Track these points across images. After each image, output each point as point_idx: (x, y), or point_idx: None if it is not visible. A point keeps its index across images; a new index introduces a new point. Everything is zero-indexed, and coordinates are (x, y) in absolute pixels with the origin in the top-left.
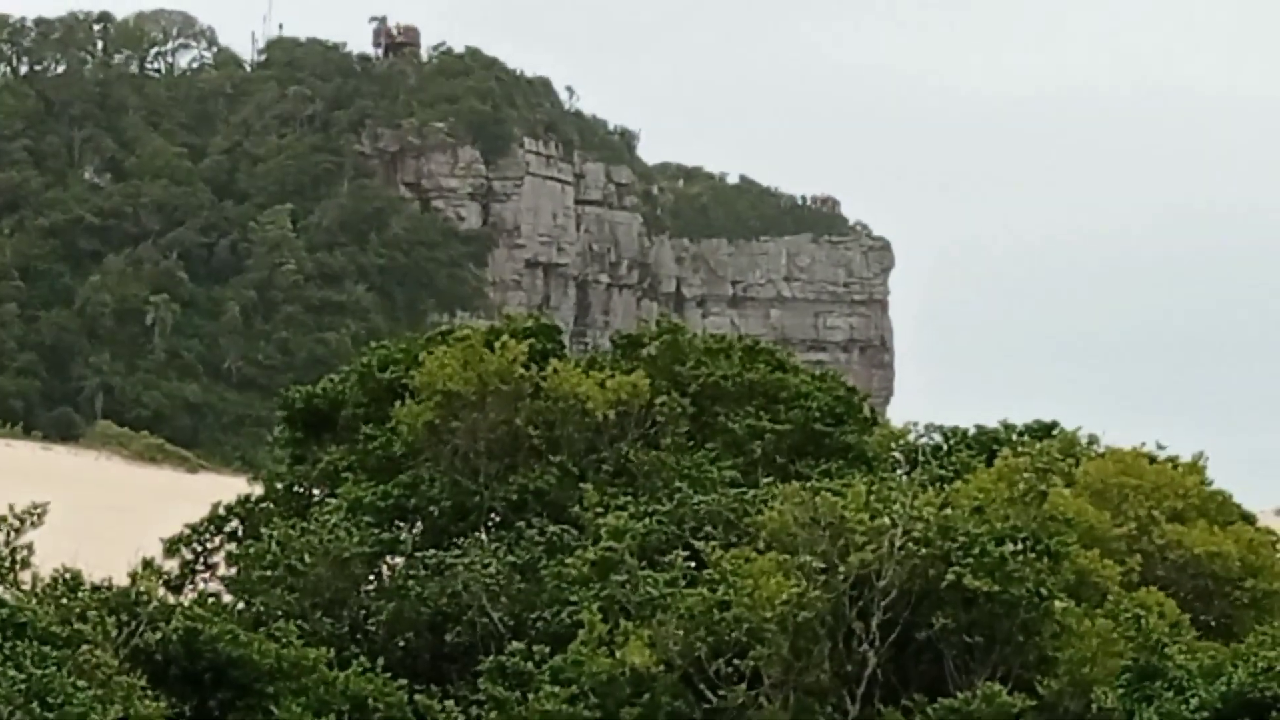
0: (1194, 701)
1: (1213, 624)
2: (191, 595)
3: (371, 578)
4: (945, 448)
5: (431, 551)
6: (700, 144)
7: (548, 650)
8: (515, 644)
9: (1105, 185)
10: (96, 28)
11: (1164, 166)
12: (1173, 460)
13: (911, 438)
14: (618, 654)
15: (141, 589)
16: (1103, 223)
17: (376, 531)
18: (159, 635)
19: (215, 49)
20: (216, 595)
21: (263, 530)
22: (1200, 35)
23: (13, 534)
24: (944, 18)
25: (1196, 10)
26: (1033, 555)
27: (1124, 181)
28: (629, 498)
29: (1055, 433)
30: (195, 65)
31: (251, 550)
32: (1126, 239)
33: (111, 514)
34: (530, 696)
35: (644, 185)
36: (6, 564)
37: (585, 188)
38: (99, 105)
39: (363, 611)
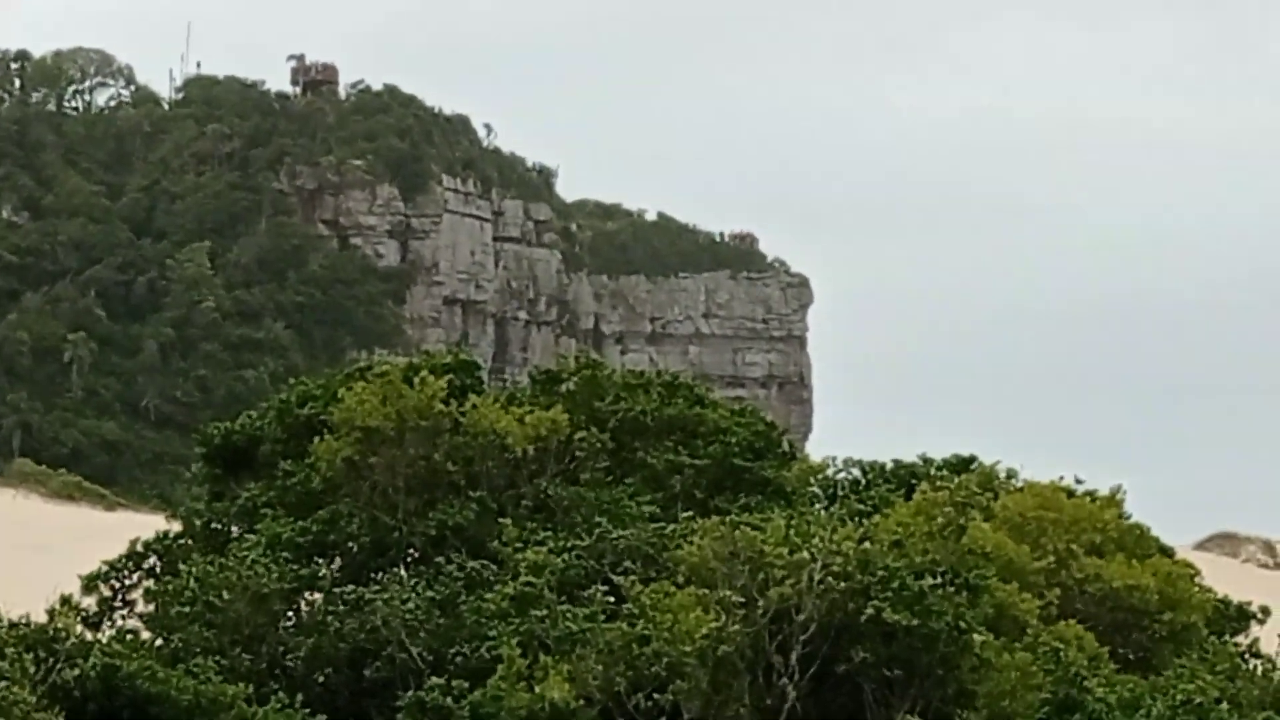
0: None
1: (1131, 657)
2: (110, 632)
3: (290, 614)
4: (864, 482)
5: (350, 587)
6: (618, 181)
7: (467, 685)
8: (434, 679)
9: (1020, 222)
10: (14, 66)
11: (1079, 201)
12: (1091, 494)
13: (830, 472)
14: (537, 689)
15: (59, 626)
16: (1020, 259)
17: (295, 567)
18: (77, 672)
19: (133, 87)
20: (135, 632)
21: (181, 567)
22: (1115, 67)
23: None
24: (861, 55)
25: (1107, 43)
26: (952, 589)
27: (1038, 218)
28: (548, 533)
29: (973, 466)
30: (113, 103)
31: (170, 587)
32: (1045, 276)
33: (29, 551)
34: None
35: (562, 222)
36: None
37: (504, 225)
38: (16, 143)
39: (281, 647)
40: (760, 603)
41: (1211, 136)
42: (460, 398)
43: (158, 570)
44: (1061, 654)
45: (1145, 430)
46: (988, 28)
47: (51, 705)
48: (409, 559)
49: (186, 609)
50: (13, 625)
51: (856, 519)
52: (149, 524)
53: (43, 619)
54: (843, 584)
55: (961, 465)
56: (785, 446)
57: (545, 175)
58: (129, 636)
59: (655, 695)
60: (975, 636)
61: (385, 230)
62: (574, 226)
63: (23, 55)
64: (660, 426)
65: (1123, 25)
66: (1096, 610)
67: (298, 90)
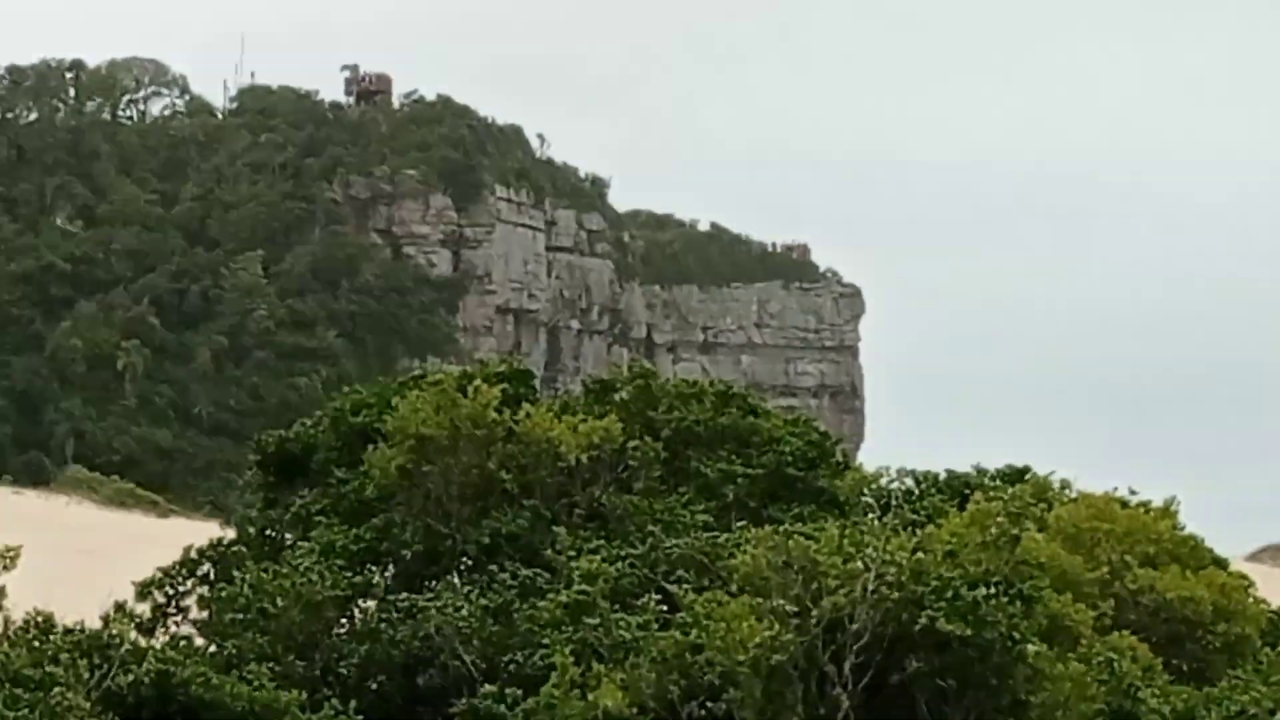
0: None
1: (1185, 668)
2: (163, 638)
3: (344, 621)
4: (917, 492)
5: (404, 595)
6: (671, 191)
7: (520, 693)
8: (488, 687)
9: (1074, 236)
10: (69, 76)
11: (1133, 213)
12: (1145, 505)
13: (884, 482)
14: (590, 697)
15: (114, 632)
16: (1074, 269)
17: (349, 575)
18: (131, 678)
19: (187, 97)
20: (188, 638)
21: (235, 574)
22: (1167, 92)
23: None
24: (916, 66)
25: (1161, 68)
26: (1005, 599)
27: (1092, 228)
28: (602, 541)
29: (1028, 477)
30: (167, 113)
31: (224, 594)
32: (1099, 286)
33: (83, 558)
34: None
35: (615, 232)
36: None
37: (556, 234)
38: (71, 152)
39: (335, 655)
40: (814, 612)
41: (1262, 150)
42: (514, 406)
43: (212, 577)
44: (1115, 665)
45: (1199, 441)
46: (1044, 40)
47: (106, 711)
48: (462, 567)
49: (240, 616)
50: (67, 631)
51: (910, 529)
52: (202, 531)
53: (97, 625)
54: (896, 594)
55: (1015, 476)
56: (838, 456)
57: (598, 185)
58: (183, 643)
59: (708, 704)
60: (1029, 647)
61: (438, 240)
62: (626, 236)
63: (78, 65)
64: (714, 436)
65: (1177, 40)
66: (1150, 621)
67: (351, 100)
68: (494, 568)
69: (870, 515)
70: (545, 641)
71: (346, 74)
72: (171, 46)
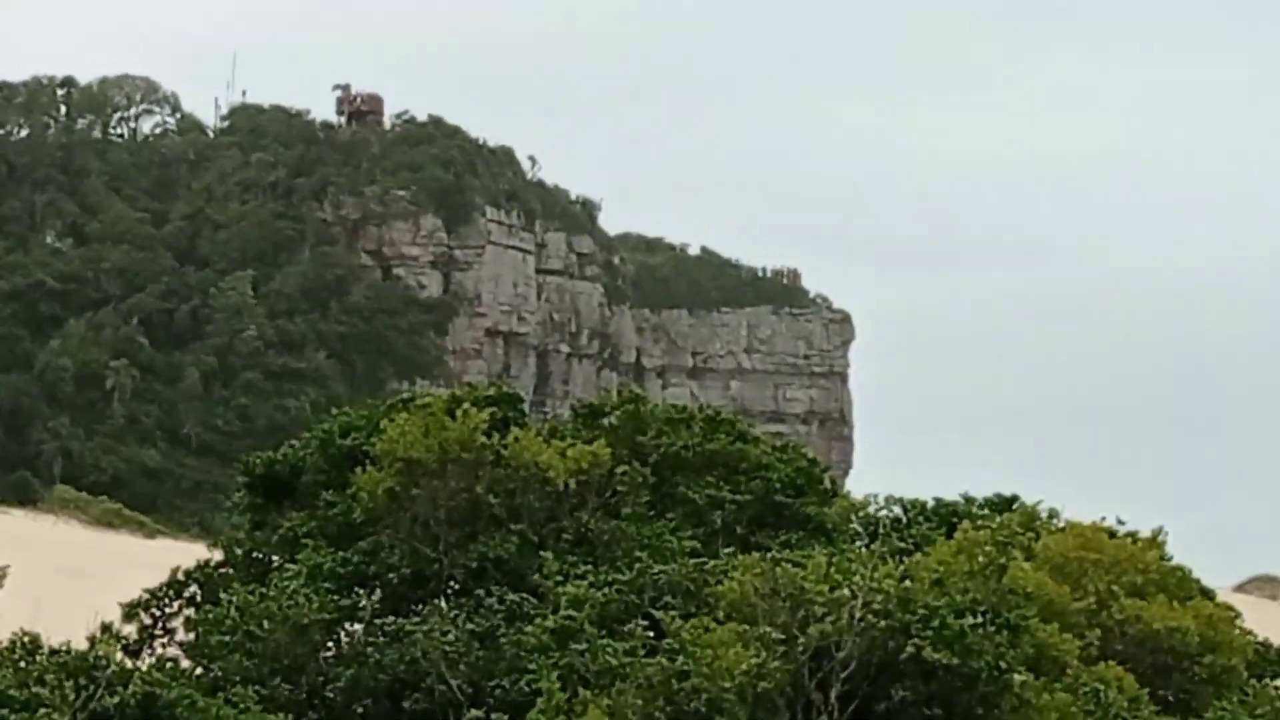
0: None
1: (1171, 699)
2: (150, 660)
3: (330, 644)
4: (905, 520)
5: (391, 618)
6: (662, 215)
7: (506, 718)
8: (474, 712)
9: (1066, 258)
10: (60, 92)
11: (1122, 238)
12: (1132, 535)
13: (871, 510)
14: None
15: (100, 653)
16: (1064, 296)
17: (336, 598)
18: (117, 699)
19: (178, 115)
20: (175, 660)
21: (222, 596)
22: (1161, 107)
23: None
24: (905, 91)
25: (1156, 83)
26: (992, 628)
27: (1085, 255)
28: (589, 566)
29: (1015, 506)
30: (158, 131)
31: (210, 615)
32: (1088, 313)
33: (69, 578)
34: None
35: (605, 255)
36: None
37: (546, 257)
38: (61, 170)
39: (321, 678)
40: (800, 640)
41: (1259, 165)
42: (502, 430)
43: (198, 599)
44: (1102, 695)
45: (1185, 471)
46: (1033, 64)
47: None
48: (449, 591)
49: (227, 638)
50: (53, 652)
51: (897, 557)
52: (189, 552)
53: (83, 646)
54: (883, 622)
55: (1003, 504)
56: (826, 483)
57: (588, 208)
58: (169, 665)
59: None
60: (1015, 676)
61: (428, 261)
62: (617, 260)
63: (69, 82)
64: (702, 461)
65: (1167, 63)
66: (1137, 652)
67: (342, 120)
68: (481, 592)
69: (858, 543)
70: (531, 667)
71: (338, 93)
72: (163, 64)
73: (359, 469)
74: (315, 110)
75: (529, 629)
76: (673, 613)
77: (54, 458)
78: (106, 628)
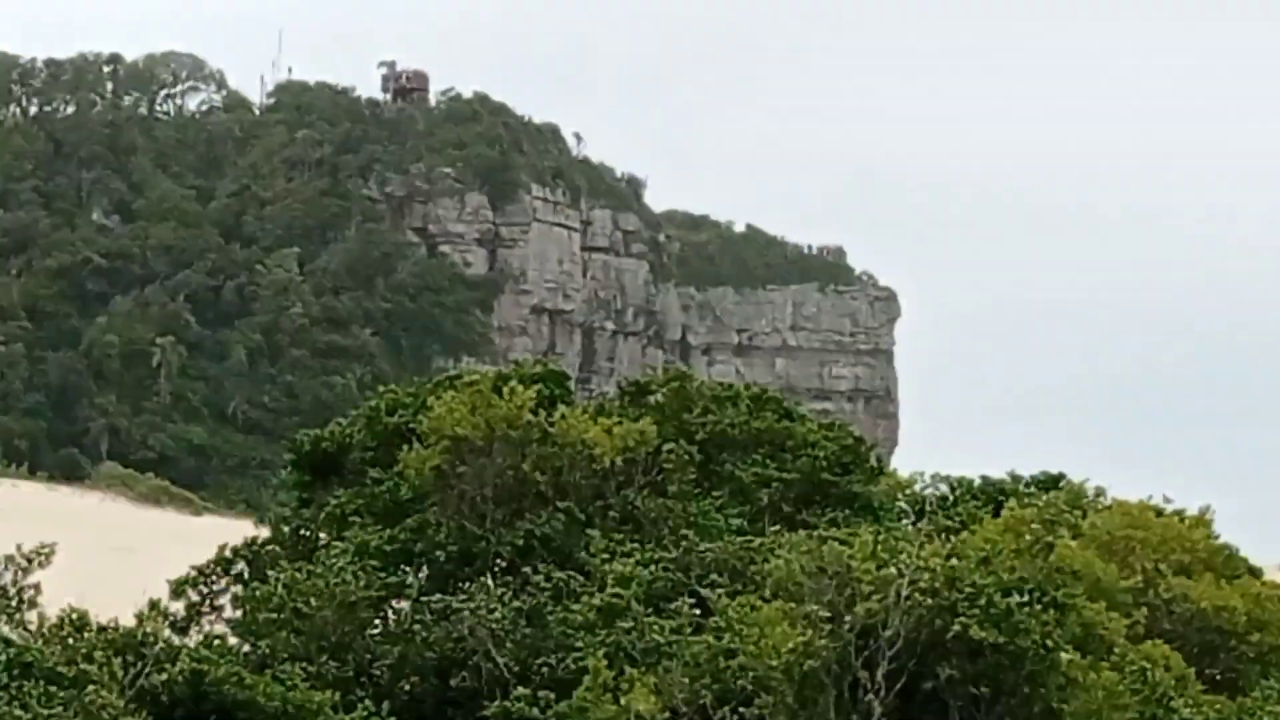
0: None
1: (1218, 678)
2: (197, 637)
3: (377, 622)
4: (951, 498)
5: (437, 596)
6: (707, 192)
7: (553, 696)
8: (520, 690)
9: (1111, 242)
10: (106, 70)
11: (1173, 217)
12: (1179, 514)
13: (918, 488)
14: (623, 701)
15: (148, 630)
16: (1111, 275)
17: (383, 576)
18: (165, 676)
19: (224, 92)
20: (222, 637)
21: (269, 573)
22: (1209, 84)
23: (20, 574)
24: (952, 68)
25: (1203, 58)
26: (1039, 607)
27: (1131, 240)
28: (635, 544)
29: (1062, 484)
30: (204, 108)
31: (258, 593)
32: (1137, 292)
33: (117, 555)
34: None
35: (651, 233)
36: (13, 604)
37: (592, 235)
38: (108, 147)
39: (368, 655)
40: (847, 618)
41: None
42: (549, 408)
43: (246, 576)
44: (1148, 674)
45: (1233, 449)
46: (1080, 42)
47: (139, 710)
48: (496, 569)
49: (274, 615)
50: (101, 629)
51: (944, 535)
52: (235, 529)
53: (131, 623)
54: (930, 600)
55: (1050, 483)
56: (872, 461)
57: (634, 185)
58: (216, 642)
59: (741, 709)
60: (1062, 655)
61: (474, 238)
62: (662, 237)
63: (115, 59)
64: (748, 440)
65: (1205, 44)
66: (1184, 630)
67: (388, 97)
68: (528, 570)
69: (904, 521)
70: (578, 645)
71: (384, 71)
72: (209, 41)
73: (406, 447)
74: (361, 87)
75: (576, 607)
76: (719, 591)
77: (101, 435)
78: (154, 605)
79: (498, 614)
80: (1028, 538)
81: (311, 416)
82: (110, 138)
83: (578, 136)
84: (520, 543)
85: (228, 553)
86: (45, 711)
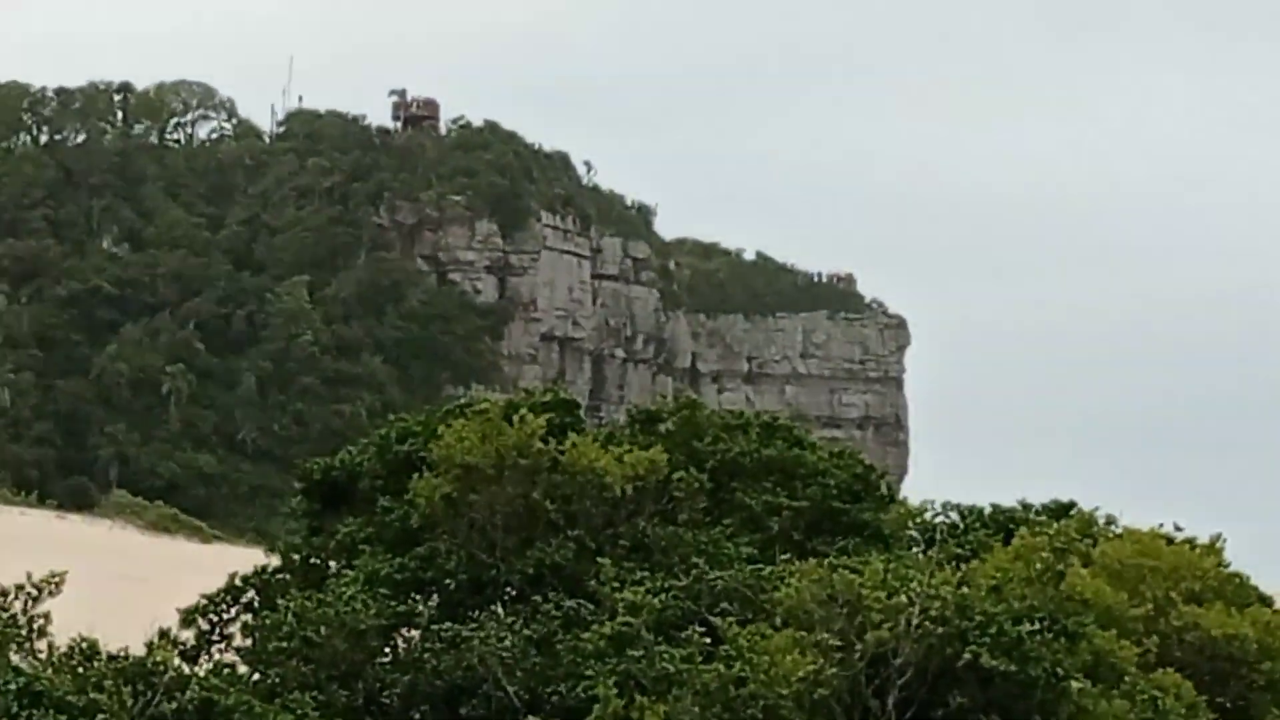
0: None
1: (1229, 706)
2: (207, 665)
3: (387, 650)
4: (962, 526)
5: (447, 624)
6: (717, 219)
7: None
8: (531, 718)
9: (1123, 268)
10: (117, 98)
11: (1182, 252)
12: (1190, 542)
13: (928, 516)
14: None
15: (157, 659)
16: (1120, 304)
17: (393, 604)
18: (175, 705)
19: (235, 120)
20: (232, 666)
21: (279, 601)
22: (1220, 119)
23: (29, 602)
24: (961, 96)
25: (1215, 94)
26: (1050, 635)
27: (1142, 265)
28: (646, 573)
29: (1073, 513)
30: (215, 136)
31: (268, 621)
32: (1144, 321)
33: (127, 584)
34: None
35: (661, 260)
36: (23, 632)
37: (602, 262)
38: (118, 175)
39: (378, 684)
40: (858, 646)
41: None
42: (559, 436)
43: (256, 604)
44: (1159, 702)
45: (1244, 476)
46: (1091, 73)
47: None
48: (506, 597)
49: (284, 644)
50: (111, 658)
51: (954, 563)
52: (245, 557)
53: (140, 651)
54: (940, 628)
55: (1060, 511)
56: (883, 489)
57: (644, 213)
58: (226, 670)
59: None
60: (1073, 683)
61: (484, 266)
62: (672, 265)
63: (126, 87)
64: (759, 467)
65: (1229, 74)
66: (1195, 659)
67: (398, 125)
68: (538, 598)
69: (915, 549)
70: (589, 673)
71: (394, 98)
72: (219, 70)
73: (416, 475)
74: (371, 115)
75: (586, 635)
76: (730, 619)
77: (111, 463)
78: (164, 633)
79: (508, 642)
80: (1038, 566)
81: (322, 444)
82: (120, 166)
83: (588, 164)
84: (530, 571)
85: (237, 581)
86: None
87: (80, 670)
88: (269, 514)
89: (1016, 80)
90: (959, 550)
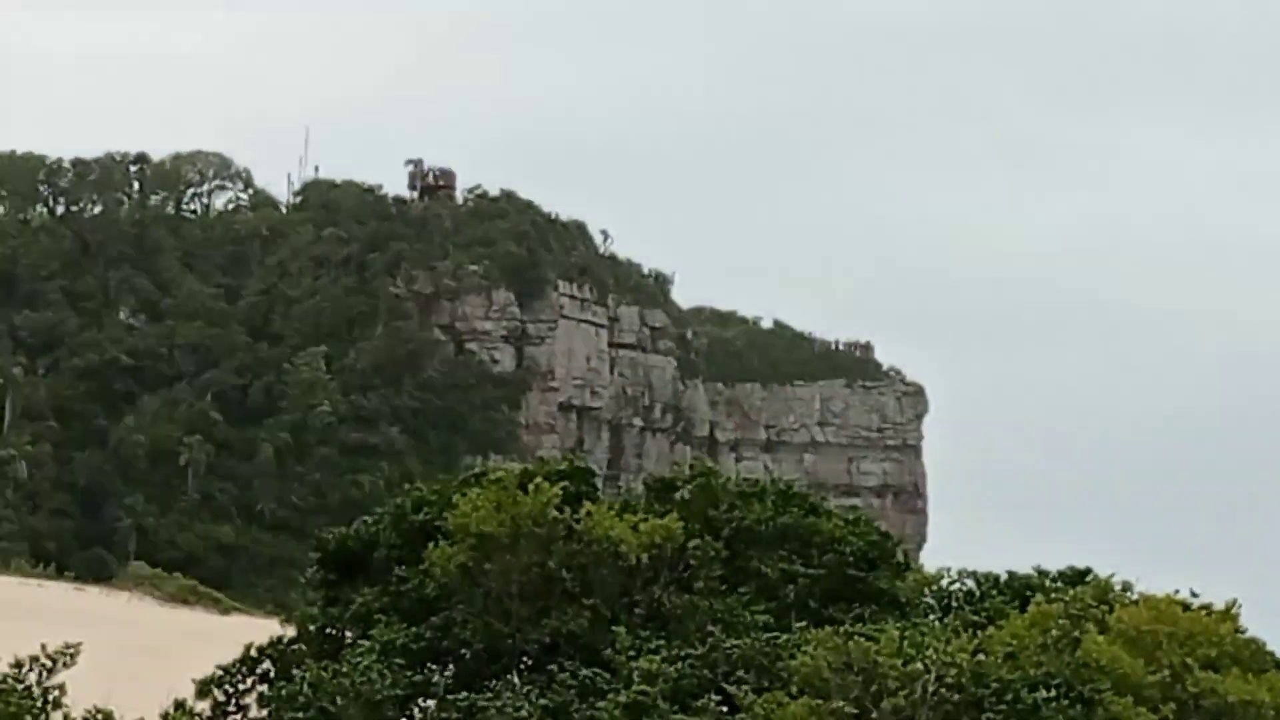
0: None
1: None
2: None
3: None
4: (978, 593)
5: (464, 694)
6: (734, 288)
7: None
8: None
9: (1137, 335)
10: (133, 169)
11: (1199, 310)
12: (1206, 607)
13: (945, 583)
14: None
15: None
16: (1138, 369)
17: (409, 674)
18: None
19: (251, 190)
20: None
21: (295, 671)
22: (1239, 181)
23: (45, 674)
24: (978, 163)
25: (1233, 155)
26: (1066, 702)
27: (1157, 327)
28: (662, 641)
29: (1089, 579)
30: (231, 206)
31: (284, 692)
32: (1163, 386)
33: (144, 655)
34: None
35: (678, 329)
36: (39, 704)
37: (619, 331)
38: (135, 246)
39: None
40: (874, 713)
41: None
42: (575, 504)
43: (271, 675)
44: None
45: (1260, 542)
46: (1106, 135)
47: None
48: (522, 666)
49: (300, 714)
50: None
51: (971, 630)
52: (263, 628)
53: None
54: (956, 696)
55: (1077, 577)
56: (900, 557)
57: (661, 282)
58: None
59: None
60: None
61: (501, 335)
62: (690, 333)
63: (142, 158)
64: (775, 535)
65: (1246, 141)
66: None
67: (415, 195)
68: (554, 667)
69: (931, 616)
70: None
71: (410, 168)
72: (236, 140)
73: (432, 544)
74: (388, 185)
75: (602, 704)
76: (746, 687)
77: (128, 534)
78: (180, 704)
79: (524, 712)
80: (1054, 632)
81: (340, 515)
82: (137, 237)
83: (605, 233)
84: (546, 640)
85: (254, 652)
86: None
87: None
88: (288, 585)
89: (1036, 148)
90: (975, 617)
